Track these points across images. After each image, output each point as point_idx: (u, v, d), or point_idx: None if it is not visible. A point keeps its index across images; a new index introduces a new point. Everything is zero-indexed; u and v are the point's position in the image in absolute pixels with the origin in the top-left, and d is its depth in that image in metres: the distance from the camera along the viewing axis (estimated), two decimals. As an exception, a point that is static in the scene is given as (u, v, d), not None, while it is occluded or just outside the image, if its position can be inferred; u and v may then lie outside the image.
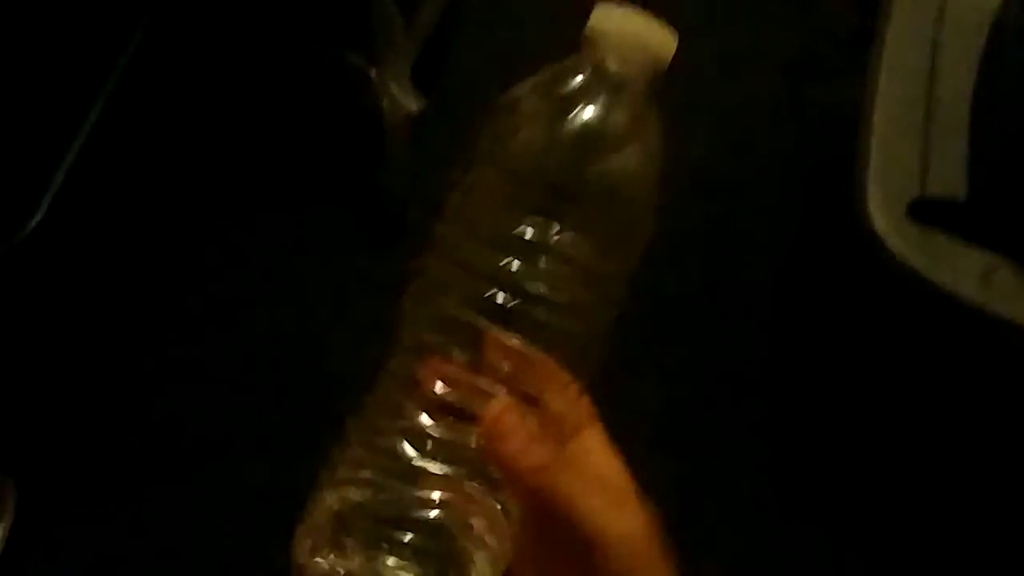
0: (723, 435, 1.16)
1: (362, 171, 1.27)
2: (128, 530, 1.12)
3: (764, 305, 1.23)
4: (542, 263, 0.36)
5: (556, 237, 0.36)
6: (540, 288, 0.36)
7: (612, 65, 0.37)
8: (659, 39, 0.37)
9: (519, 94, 0.39)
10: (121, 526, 1.12)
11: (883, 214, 0.87)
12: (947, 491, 0.98)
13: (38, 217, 0.81)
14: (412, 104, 1.13)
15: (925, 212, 0.87)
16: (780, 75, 1.42)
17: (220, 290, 1.25)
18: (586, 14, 0.38)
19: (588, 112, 0.37)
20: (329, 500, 0.37)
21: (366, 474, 0.37)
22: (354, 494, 0.37)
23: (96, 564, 1.10)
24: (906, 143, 0.92)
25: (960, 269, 0.83)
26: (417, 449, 0.36)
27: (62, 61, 0.88)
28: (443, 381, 0.37)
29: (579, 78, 0.37)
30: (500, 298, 0.36)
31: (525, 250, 0.36)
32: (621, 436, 0.39)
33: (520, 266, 0.36)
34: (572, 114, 0.37)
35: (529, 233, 0.36)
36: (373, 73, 1.12)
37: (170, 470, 1.15)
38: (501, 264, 0.37)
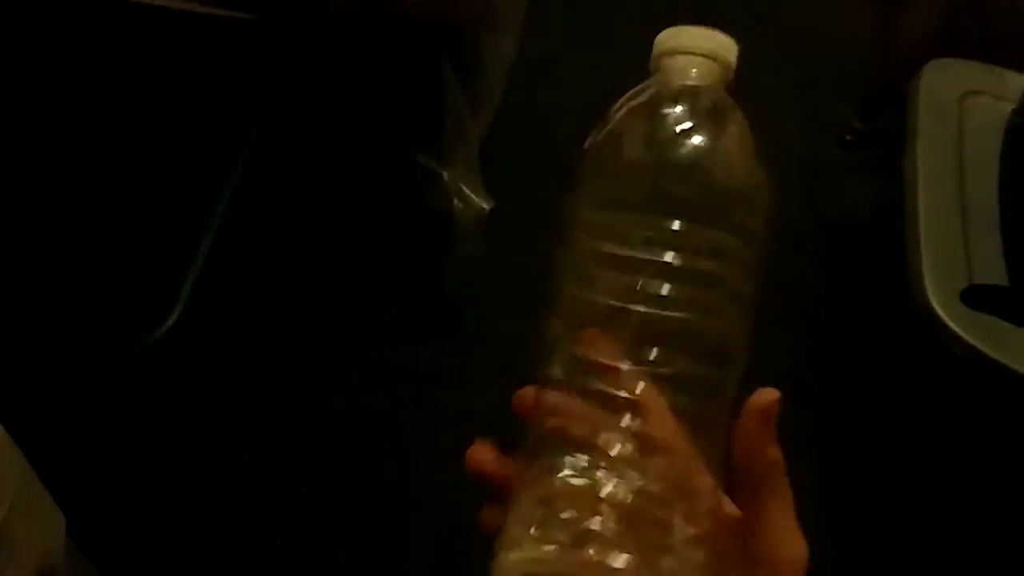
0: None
1: (422, 265, 1.34)
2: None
3: (810, 384, 1.33)
4: (673, 262, 0.36)
5: (678, 233, 0.37)
6: (674, 290, 0.36)
7: (686, 77, 0.40)
8: (721, 45, 0.41)
9: (611, 125, 0.41)
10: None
11: (940, 302, 0.98)
12: (1001, 545, 1.07)
13: (173, 318, 0.87)
14: (484, 204, 1.21)
15: (975, 298, 0.98)
16: (794, 173, 1.56)
17: (290, 382, 1.30)
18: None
19: (678, 123, 0.38)
20: (512, 560, 0.35)
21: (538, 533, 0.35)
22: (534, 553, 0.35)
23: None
24: (949, 239, 1.04)
25: (1013, 347, 0.94)
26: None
27: (186, 178, 0.97)
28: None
29: (661, 95, 0.40)
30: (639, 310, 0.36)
31: (653, 256, 0.37)
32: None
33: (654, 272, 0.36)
34: (664, 129, 0.39)
35: (651, 233, 0.36)
36: (446, 175, 1.21)
37: (254, 556, 1.18)
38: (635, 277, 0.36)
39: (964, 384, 1.00)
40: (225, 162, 1.00)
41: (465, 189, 1.22)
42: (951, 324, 0.96)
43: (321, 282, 1.35)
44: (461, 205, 1.23)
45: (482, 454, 0.40)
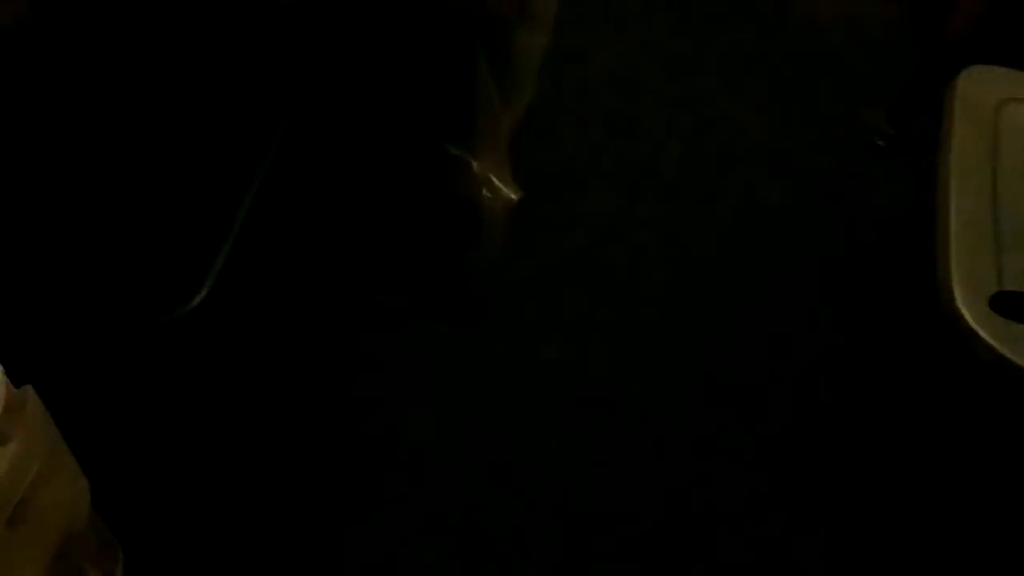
0: (800, 516, 1.23)
1: (450, 255, 1.35)
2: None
3: (830, 388, 1.32)
4: None
5: None
6: None
7: None
8: None
9: None
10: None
11: (969, 308, 0.98)
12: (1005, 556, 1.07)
13: (200, 297, 0.89)
14: (512, 194, 1.22)
15: (1005, 305, 0.97)
16: (824, 178, 1.55)
17: (314, 368, 1.31)
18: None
19: None
20: None
21: None
22: None
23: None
24: (980, 245, 1.03)
25: (1043, 356, 0.93)
26: None
27: (219, 159, 0.99)
28: None
29: None
30: None
31: None
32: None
33: None
34: None
35: None
36: (475, 165, 1.21)
37: (267, 532, 1.19)
38: None
39: (992, 392, 0.99)
40: (258, 144, 1.02)
41: (494, 179, 1.23)
42: (980, 331, 0.95)
43: (349, 270, 1.36)
44: (490, 195, 1.23)
45: None
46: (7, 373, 0.75)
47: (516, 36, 1.26)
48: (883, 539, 1.20)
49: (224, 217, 0.93)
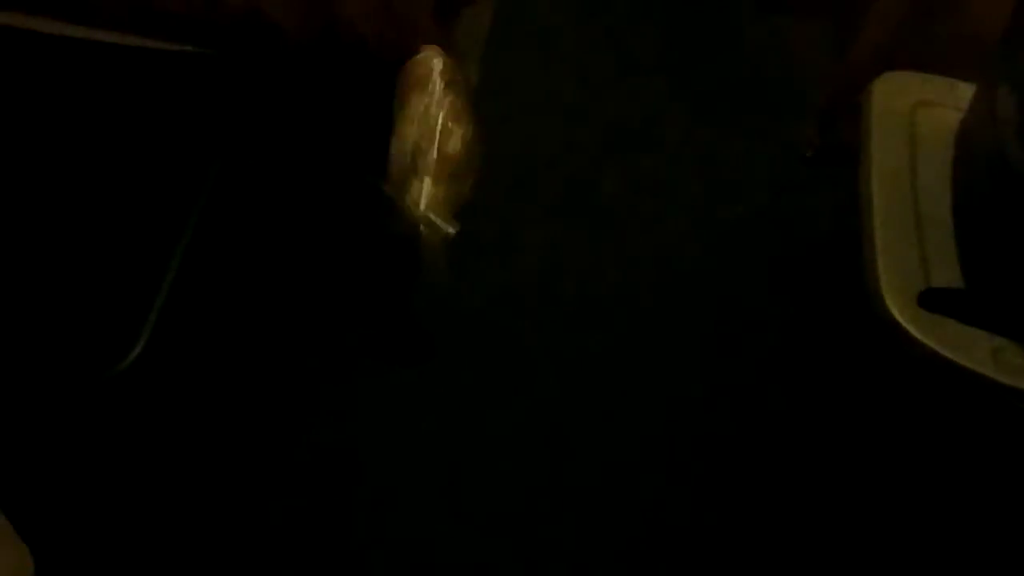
0: (753, 522, 1.25)
1: (392, 294, 1.35)
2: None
3: (778, 390, 1.34)
4: None
5: None
6: None
7: None
8: None
9: None
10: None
11: (897, 306, 1.00)
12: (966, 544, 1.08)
13: (137, 351, 0.88)
14: (449, 228, 1.22)
15: (933, 301, 1.00)
16: (757, 189, 1.58)
17: (262, 415, 1.29)
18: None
19: None
20: None
21: None
22: None
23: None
24: (905, 245, 1.06)
25: (973, 350, 0.96)
26: None
27: (149, 211, 0.98)
28: None
29: None
30: None
31: None
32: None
33: None
34: None
35: None
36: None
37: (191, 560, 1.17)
38: None
39: (926, 384, 1.01)
40: (188, 195, 1.01)
41: (430, 215, 1.23)
42: (909, 328, 0.97)
43: (289, 314, 1.35)
44: (427, 231, 1.23)
45: None
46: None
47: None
48: (830, 538, 1.21)
49: (157, 269, 0.92)
